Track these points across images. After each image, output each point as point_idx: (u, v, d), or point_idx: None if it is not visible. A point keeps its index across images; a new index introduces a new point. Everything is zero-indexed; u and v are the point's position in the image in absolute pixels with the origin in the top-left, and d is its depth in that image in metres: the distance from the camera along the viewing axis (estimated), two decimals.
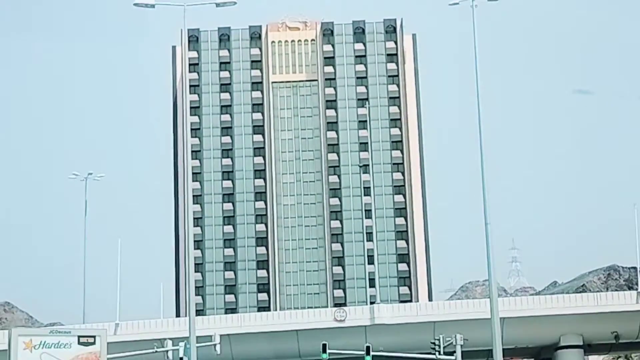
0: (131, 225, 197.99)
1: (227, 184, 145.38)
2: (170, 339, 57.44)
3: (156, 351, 53.88)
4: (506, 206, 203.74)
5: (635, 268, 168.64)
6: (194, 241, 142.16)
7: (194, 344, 32.38)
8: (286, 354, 67.43)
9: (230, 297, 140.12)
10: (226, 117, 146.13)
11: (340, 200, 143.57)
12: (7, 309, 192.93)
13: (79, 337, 16.50)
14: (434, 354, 58.64)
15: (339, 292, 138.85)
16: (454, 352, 58.93)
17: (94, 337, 15.07)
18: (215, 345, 54.70)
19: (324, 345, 57.68)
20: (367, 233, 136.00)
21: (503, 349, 66.67)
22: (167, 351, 54.98)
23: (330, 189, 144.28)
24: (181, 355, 51.50)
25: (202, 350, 57.81)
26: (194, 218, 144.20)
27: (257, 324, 67.27)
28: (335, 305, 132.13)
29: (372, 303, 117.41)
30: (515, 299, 65.95)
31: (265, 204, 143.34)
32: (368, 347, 58.30)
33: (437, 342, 58.33)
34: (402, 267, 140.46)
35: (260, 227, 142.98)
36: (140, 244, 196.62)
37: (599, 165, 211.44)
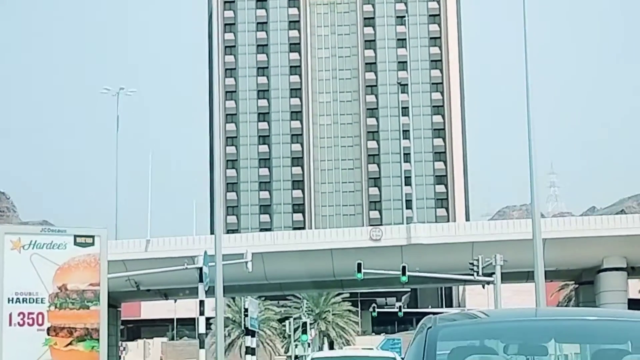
0: (165, 143, 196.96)
1: (263, 102, 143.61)
2: (202, 256, 55.96)
3: (187, 268, 52.38)
4: (544, 130, 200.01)
5: None
6: (229, 161, 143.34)
7: (220, 256, 30.56)
8: (320, 273, 65.94)
9: (265, 217, 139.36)
10: (262, 35, 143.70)
11: (377, 120, 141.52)
12: (46, 229, 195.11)
13: (75, 236, 14.63)
14: (472, 274, 56.93)
15: (374, 214, 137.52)
16: (493, 273, 57.19)
17: (92, 237, 13.34)
18: (246, 262, 53.08)
19: (359, 265, 56.20)
20: (404, 154, 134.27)
21: (544, 271, 65.26)
22: (199, 268, 53.55)
23: (367, 109, 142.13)
24: (200, 264, 50.29)
25: (234, 268, 56.44)
26: (229, 137, 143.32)
27: (291, 242, 65.72)
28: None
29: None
30: (558, 219, 63.76)
31: (301, 124, 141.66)
32: (404, 267, 56.77)
33: (475, 263, 56.58)
34: (440, 188, 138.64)
35: (296, 146, 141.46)
36: (174, 163, 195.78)
37: None
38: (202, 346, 19.94)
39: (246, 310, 36.10)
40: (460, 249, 63.57)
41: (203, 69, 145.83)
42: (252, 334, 37.03)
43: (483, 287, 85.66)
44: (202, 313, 19.63)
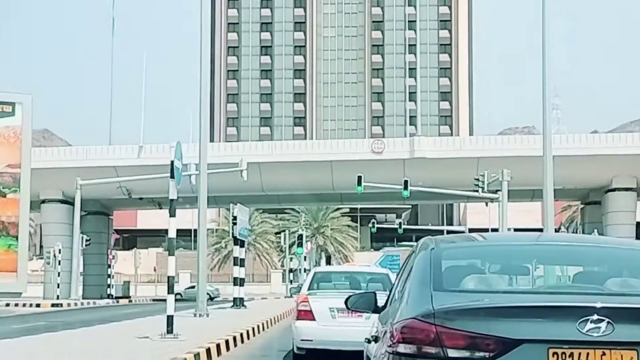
0: (164, 51, 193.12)
1: (266, 12, 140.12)
2: (195, 164, 53.75)
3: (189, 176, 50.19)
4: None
5: None
6: (230, 71, 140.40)
7: (205, 164, 28.23)
8: (319, 185, 63.72)
9: (265, 130, 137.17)
10: None
11: (382, 33, 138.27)
12: (46, 136, 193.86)
13: None
14: (477, 190, 54.63)
15: (377, 129, 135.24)
16: (498, 190, 54.95)
17: (12, 104, 10.94)
18: (241, 171, 50.85)
19: (359, 178, 54.08)
20: (409, 69, 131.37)
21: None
22: (190, 175, 51.34)
23: (373, 22, 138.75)
24: (192, 172, 48.19)
25: (229, 178, 54.32)
26: (230, 47, 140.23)
27: (289, 153, 63.32)
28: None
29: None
30: (567, 136, 60.92)
31: (305, 35, 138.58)
32: (406, 181, 54.58)
33: (481, 178, 54.24)
34: (444, 105, 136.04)
35: (299, 58, 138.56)
36: (173, 74, 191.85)
37: None
38: (171, 253, 17.70)
39: (235, 217, 33.78)
40: (465, 164, 61.25)
41: None
42: (242, 243, 34.81)
43: (486, 204, 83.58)
44: (172, 214, 17.34)
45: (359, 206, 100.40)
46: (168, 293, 17.69)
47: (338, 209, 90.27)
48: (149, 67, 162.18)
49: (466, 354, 5.16)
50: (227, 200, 68.86)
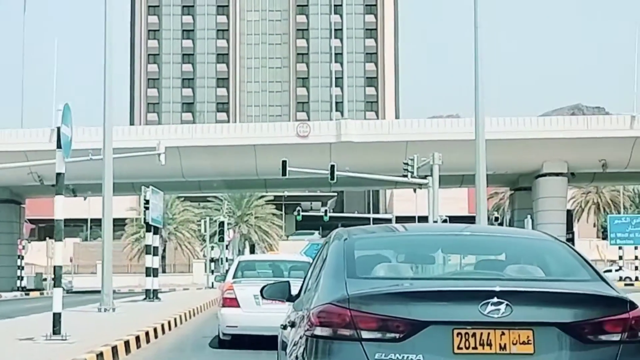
0: (80, 34, 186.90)
1: None
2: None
3: (91, 159, 47.18)
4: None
5: (599, 107, 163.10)
6: (150, 55, 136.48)
7: (110, 148, 25.54)
8: (242, 171, 61.04)
9: (187, 116, 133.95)
10: None
11: (307, 17, 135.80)
12: None
13: None
14: (407, 175, 52.37)
15: (302, 115, 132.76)
16: (428, 175, 52.88)
17: None
18: (158, 155, 47.99)
19: (284, 162, 51.60)
20: (335, 54, 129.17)
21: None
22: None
23: (297, 5, 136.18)
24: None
25: (146, 163, 51.54)
26: (150, 30, 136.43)
27: (210, 137, 60.40)
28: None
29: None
30: (498, 119, 58.79)
31: (228, 19, 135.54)
32: (332, 166, 52.24)
33: (410, 163, 51.97)
34: (370, 90, 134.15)
35: (222, 42, 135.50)
36: (89, 56, 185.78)
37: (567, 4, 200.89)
38: (58, 238, 15.05)
39: (146, 202, 30.99)
40: (393, 148, 59.14)
41: None
42: (155, 230, 32.08)
43: (414, 191, 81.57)
44: (59, 192, 14.68)
45: (284, 194, 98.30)
46: (54, 286, 14.96)
47: (262, 196, 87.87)
48: (64, 50, 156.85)
49: (378, 335, 5.48)
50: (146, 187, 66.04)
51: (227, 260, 60.44)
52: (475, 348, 5.45)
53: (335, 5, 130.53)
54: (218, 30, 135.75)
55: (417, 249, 6.67)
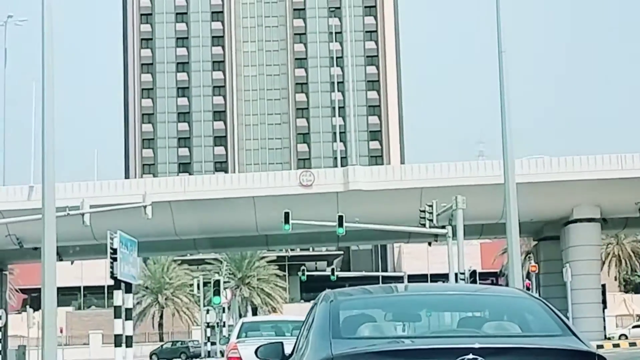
0: (64, 77, 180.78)
1: (181, 26, 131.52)
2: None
3: (68, 214, 41.73)
4: (475, 99, 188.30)
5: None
6: (143, 89, 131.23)
7: (52, 205, 19.67)
8: (241, 225, 55.41)
9: (184, 151, 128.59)
10: None
11: (305, 46, 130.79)
12: None
13: None
14: (424, 224, 46.66)
15: (302, 147, 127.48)
16: (446, 225, 47.24)
17: None
18: (144, 208, 42.44)
19: (287, 214, 46.23)
20: (338, 82, 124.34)
21: (501, 223, 55.25)
22: (83, 214, 42.84)
23: (295, 34, 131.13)
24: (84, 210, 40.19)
25: (133, 221, 46.04)
26: (143, 64, 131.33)
27: (204, 189, 54.70)
28: (299, 161, 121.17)
29: (342, 159, 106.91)
30: (522, 160, 53.11)
31: (223, 50, 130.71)
32: (341, 217, 46.88)
33: (428, 209, 46.23)
34: (373, 120, 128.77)
35: (217, 74, 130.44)
36: (79, 99, 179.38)
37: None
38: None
39: (114, 251, 24.97)
40: (407, 196, 53.73)
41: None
42: (128, 288, 26.07)
43: (429, 244, 75.65)
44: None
45: (287, 254, 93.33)
46: None
47: (264, 257, 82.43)
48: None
49: None
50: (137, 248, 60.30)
51: (224, 325, 54.23)
52: None
53: (336, 33, 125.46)
54: (214, 62, 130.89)
55: (402, 309, 6.97)
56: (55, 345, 19.74)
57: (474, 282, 42.80)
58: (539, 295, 58.81)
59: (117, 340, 26.22)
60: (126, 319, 26.24)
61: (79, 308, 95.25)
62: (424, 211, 46.81)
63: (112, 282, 43.08)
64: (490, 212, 53.07)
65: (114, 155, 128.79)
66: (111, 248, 24.69)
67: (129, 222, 47.52)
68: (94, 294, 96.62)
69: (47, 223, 19.78)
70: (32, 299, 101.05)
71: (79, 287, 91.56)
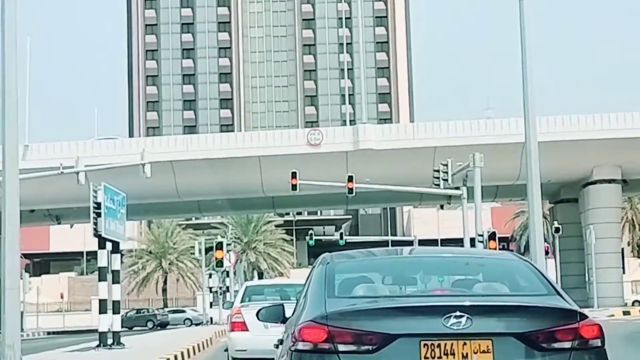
0: (65, 32, 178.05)
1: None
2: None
3: (62, 172, 39.61)
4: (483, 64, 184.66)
5: None
6: (147, 51, 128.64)
7: (14, 164, 17.00)
8: (246, 187, 53.15)
9: (189, 114, 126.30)
10: None
11: (313, 7, 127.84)
12: None
13: None
14: (438, 184, 44.21)
15: (310, 109, 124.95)
16: (460, 186, 44.78)
17: None
18: (143, 166, 40.15)
19: (294, 173, 44.00)
20: (347, 44, 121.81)
21: (517, 185, 52.88)
22: (77, 172, 40.60)
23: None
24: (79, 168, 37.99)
25: (131, 181, 43.75)
26: (147, 25, 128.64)
27: (208, 148, 52.34)
28: (307, 124, 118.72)
29: (351, 122, 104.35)
30: (540, 118, 50.27)
31: (229, 10, 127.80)
32: (350, 177, 44.58)
33: (443, 169, 43.69)
34: (382, 82, 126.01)
35: (223, 35, 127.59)
36: (82, 59, 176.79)
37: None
38: None
39: (97, 205, 22.30)
40: (419, 155, 51.41)
41: None
42: (115, 247, 23.67)
43: (442, 207, 73.02)
44: None
45: (294, 218, 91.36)
46: None
47: (271, 221, 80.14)
48: (41, 57, 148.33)
49: (353, 348, 6.01)
50: (138, 210, 58.01)
51: (227, 290, 51.93)
52: (440, 358, 5.93)
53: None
54: (219, 22, 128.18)
55: (398, 271, 7.24)
56: (17, 309, 17.12)
57: (494, 244, 40.44)
58: (559, 260, 56.94)
59: (102, 307, 23.69)
60: (113, 282, 23.93)
61: (82, 273, 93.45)
62: (437, 170, 44.39)
63: (124, 246, 40.54)
64: (506, 173, 50.84)
65: (119, 116, 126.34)
66: (94, 202, 22.22)
67: (129, 182, 45.16)
68: (96, 258, 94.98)
69: (8, 184, 17.22)
70: (34, 264, 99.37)
71: (82, 252, 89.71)
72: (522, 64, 26.22)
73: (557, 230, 54.59)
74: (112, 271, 23.76)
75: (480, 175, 43.04)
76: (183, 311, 71.46)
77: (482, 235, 40.75)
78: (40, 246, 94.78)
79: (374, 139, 52.42)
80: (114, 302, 23.91)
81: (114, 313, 23.76)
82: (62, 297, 76.77)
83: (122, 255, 75.19)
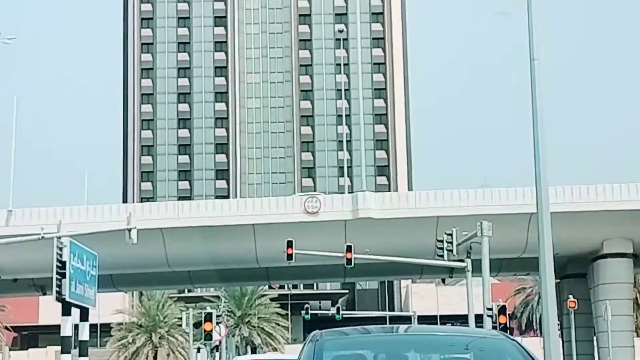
0: (62, 99, 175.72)
1: (183, 56, 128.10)
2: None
3: (42, 237, 37.19)
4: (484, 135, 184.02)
5: None
6: (144, 120, 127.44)
7: None
8: (239, 257, 50.68)
9: (184, 184, 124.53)
10: None
11: (311, 78, 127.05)
12: None
13: None
14: (442, 255, 41.98)
15: (307, 181, 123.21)
16: (464, 258, 42.53)
17: None
18: (129, 231, 37.77)
19: (290, 242, 41.78)
20: (345, 115, 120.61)
21: (522, 258, 50.55)
22: (59, 237, 38.11)
23: (301, 65, 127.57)
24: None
25: (122, 250, 41.51)
26: (143, 94, 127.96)
27: (199, 215, 49.93)
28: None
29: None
30: (555, 188, 48.16)
31: (227, 80, 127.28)
32: (349, 247, 42.50)
33: (447, 239, 41.47)
34: (380, 154, 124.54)
35: (220, 105, 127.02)
36: (75, 124, 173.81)
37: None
38: None
39: (61, 265, 19.84)
40: (422, 225, 49.01)
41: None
42: (83, 314, 21.13)
43: (443, 282, 70.53)
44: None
45: (289, 292, 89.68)
46: None
47: (265, 295, 77.90)
48: (29, 121, 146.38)
49: None
50: (126, 281, 55.44)
51: None
52: None
53: (343, 64, 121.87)
54: (216, 92, 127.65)
55: (388, 349, 7.24)
56: None
57: (504, 319, 38.01)
58: (566, 338, 54.31)
59: None
60: (80, 355, 21.36)
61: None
62: (442, 241, 42.28)
63: (102, 321, 37.75)
64: (512, 245, 48.56)
65: (112, 187, 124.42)
66: (58, 261, 19.71)
67: (116, 251, 43.13)
68: (89, 332, 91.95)
69: None
70: (22, 337, 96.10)
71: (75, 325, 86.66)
72: (533, 130, 24.00)
73: (571, 305, 52.10)
74: (80, 342, 21.21)
75: (475, 250, 41.30)
76: None
77: (491, 309, 38.46)
78: (29, 318, 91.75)
79: (374, 207, 50.15)
80: None
81: None
82: None
83: (110, 329, 72.34)
